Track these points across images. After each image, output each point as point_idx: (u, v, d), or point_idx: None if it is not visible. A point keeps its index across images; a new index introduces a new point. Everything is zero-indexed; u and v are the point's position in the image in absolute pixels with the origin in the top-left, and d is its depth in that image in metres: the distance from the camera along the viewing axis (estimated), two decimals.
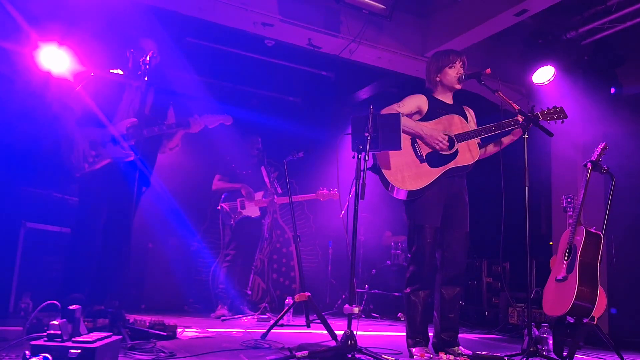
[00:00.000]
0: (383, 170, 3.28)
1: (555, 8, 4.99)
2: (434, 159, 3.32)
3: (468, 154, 3.36)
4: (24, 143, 4.86)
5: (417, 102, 3.45)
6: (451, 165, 3.33)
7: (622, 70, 5.66)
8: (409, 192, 3.29)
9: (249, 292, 5.79)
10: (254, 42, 5.68)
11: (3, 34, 4.84)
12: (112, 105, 3.77)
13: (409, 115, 3.41)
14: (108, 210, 3.78)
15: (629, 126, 5.59)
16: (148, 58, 3.45)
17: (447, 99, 3.53)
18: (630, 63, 5.68)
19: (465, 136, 3.35)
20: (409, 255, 3.39)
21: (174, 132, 3.92)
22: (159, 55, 3.76)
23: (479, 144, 3.45)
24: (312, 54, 5.71)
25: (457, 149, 3.34)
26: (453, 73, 3.45)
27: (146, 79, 3.42)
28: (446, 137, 3.32)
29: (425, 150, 3.34)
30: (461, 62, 3.47)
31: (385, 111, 3.28)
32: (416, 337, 3.26)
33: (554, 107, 3.44)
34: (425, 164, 3.31)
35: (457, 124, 3.41)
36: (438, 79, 3.50)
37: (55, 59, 5.33)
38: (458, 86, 3.48)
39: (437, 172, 3.30)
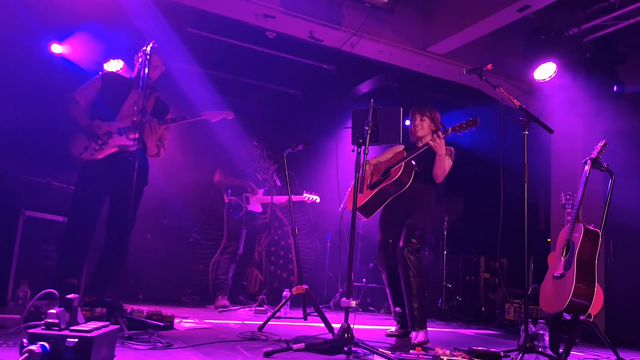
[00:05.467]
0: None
1: (558, 4, 4.97)
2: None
3: (397, 176, 3.80)
4: (23, 131, 4.87)
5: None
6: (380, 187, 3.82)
7: (624, 68, 5.64)
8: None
9: (244, 284, 6.01)
10: (255, 34, 5.65)
11: (4, 23, 4.83)
12: (118, 101, 3.84)
13: None
14: (110, 200, 3.82)
15: (629, 124, 5.59)
16: (148, 49, 3.43)
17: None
18: (633, 61, 5.66)
19: (394, 163, 3.82)
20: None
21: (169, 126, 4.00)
22: (164, 66, 3.93)
23: (416, 170, 3.81)
24: (314, 46, 5.68)
25: (389, 174, 3.82)
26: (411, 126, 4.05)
27: (147, 70, 3.41)
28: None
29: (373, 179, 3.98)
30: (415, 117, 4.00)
31: None
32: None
33: (470, 119, 3.64)
34: (369, 190, 3.91)
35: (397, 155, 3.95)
36: None
37: (59, 50, 5.35)
38: (415, 136, 4.01)
39: (370, 193, 3.87)
